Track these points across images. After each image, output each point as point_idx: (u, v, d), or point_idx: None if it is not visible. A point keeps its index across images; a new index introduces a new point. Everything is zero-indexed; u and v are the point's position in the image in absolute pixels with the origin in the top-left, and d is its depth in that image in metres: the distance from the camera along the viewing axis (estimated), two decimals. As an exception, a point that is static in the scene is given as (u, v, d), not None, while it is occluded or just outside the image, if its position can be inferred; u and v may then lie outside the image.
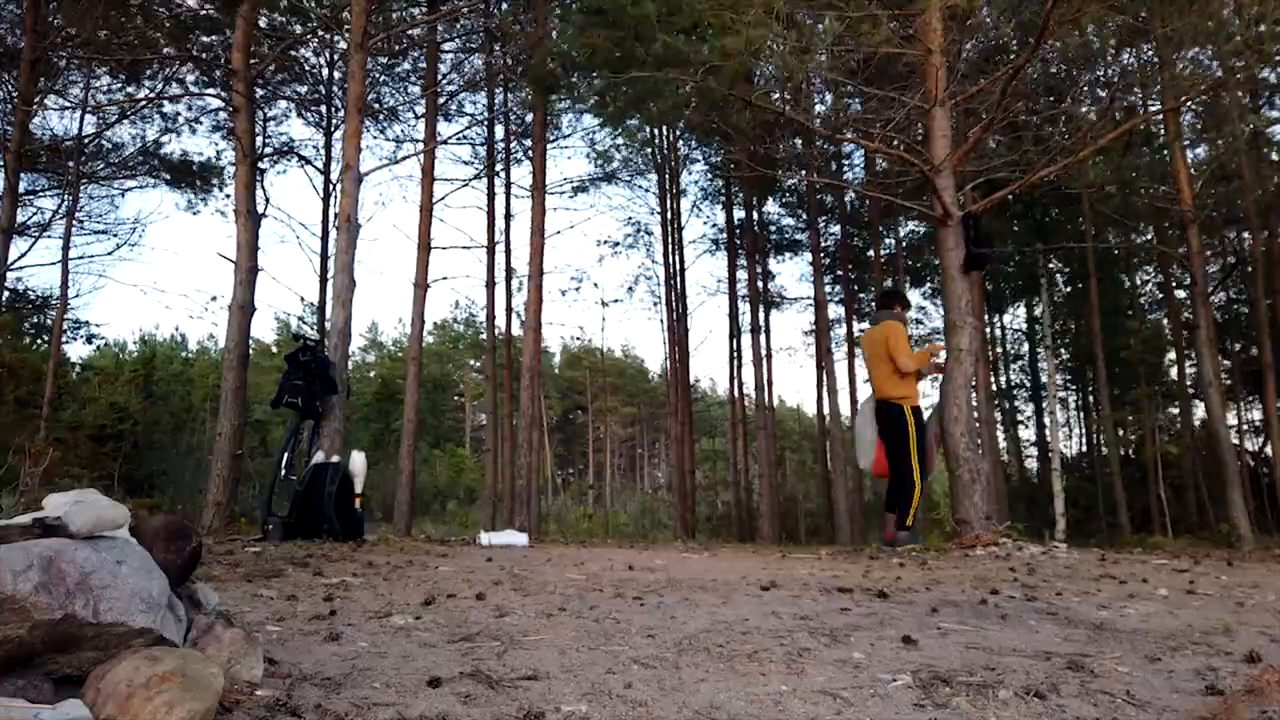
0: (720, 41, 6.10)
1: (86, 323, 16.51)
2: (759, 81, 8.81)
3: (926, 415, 6.44)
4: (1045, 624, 2.50)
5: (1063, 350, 19.32)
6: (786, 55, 6.53)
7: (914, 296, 20.53)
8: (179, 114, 12.96)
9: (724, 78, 6.44)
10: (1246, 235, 14.78)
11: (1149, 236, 14.96)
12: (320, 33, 12.71)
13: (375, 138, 14.85)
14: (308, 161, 14.11)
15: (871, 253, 18.29)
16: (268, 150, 13.20)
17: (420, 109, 13.89)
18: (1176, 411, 19.06)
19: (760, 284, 18.32)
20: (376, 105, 13.75)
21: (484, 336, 16.63)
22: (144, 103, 12.54)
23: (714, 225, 21.49)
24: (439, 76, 13.29)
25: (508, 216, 14.70)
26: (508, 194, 14.74)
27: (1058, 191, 13.58)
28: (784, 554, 5.83)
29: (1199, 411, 17.08)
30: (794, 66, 6.75)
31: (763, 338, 17.04)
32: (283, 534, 5.50)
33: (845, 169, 17.26)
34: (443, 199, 12.90)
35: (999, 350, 21.72)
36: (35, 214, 13.47)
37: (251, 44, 9.48)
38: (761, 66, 7.52)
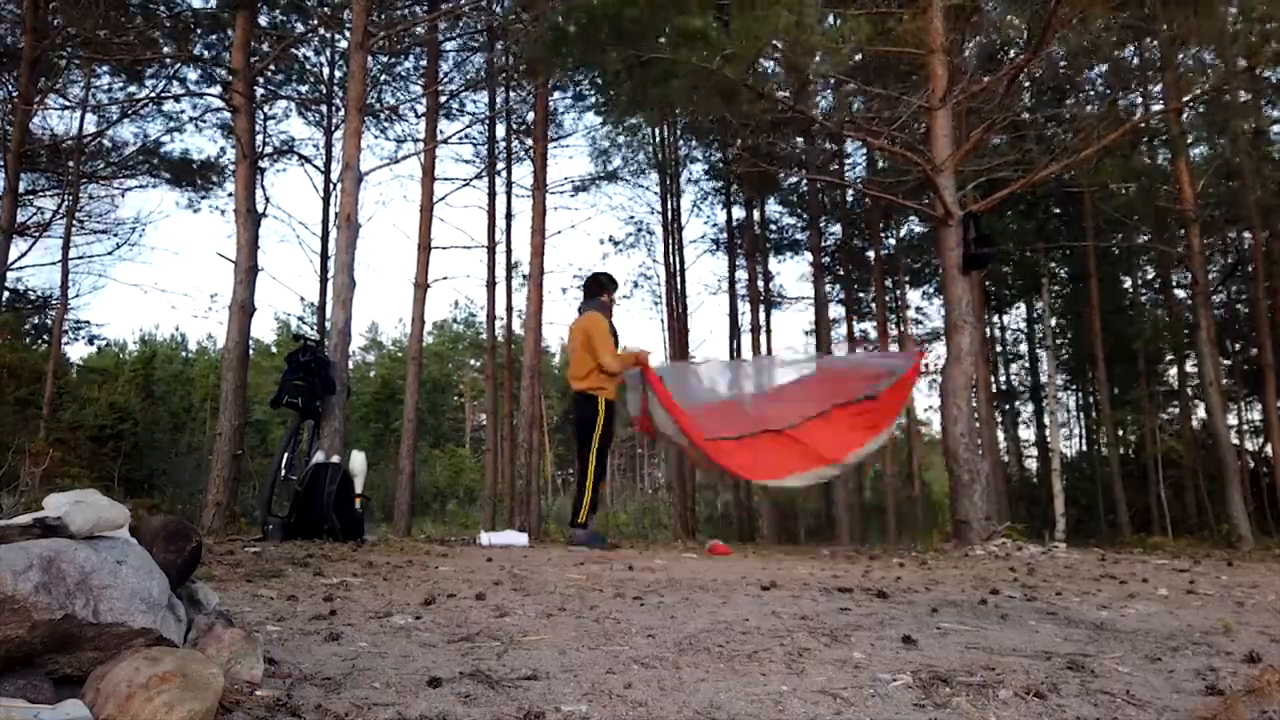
0: (746, 26, 6.03)
1: (87, 323, 16.52)
2: (763, 74, 8.80)
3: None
4: (1045, 624, 2.50)
5: (1063, 350, 19.32)
6: (795, 49, 6.52)
7: (914, 296, 20.57)
8: (180, 113, 12.97)
9: (741, 64, 6.38)
10: (1247, 235, 14.78)
11: (1148, 236, 14.96)
12: (321, 31, 12.71)
13: (376, 137, 14.87)
14: (308, 161, 14.13)
15: (871, 253, 18.30)
16: (268, 149, 13.21)
17: (421, 108, 13.90)
18: (1176, 411, 19.07)
19: (760, 284, 18.33)
20: (377, 104, 13.75)
21: (484, 336, 16.63)
22: (144, 102, 12.54)
23: (714, 225, 21.55)
24: (440, 75, 13.29)
25: (509, 216, 14.70)
26: (509, 193, 14.74)
27: (1059, 191, 13.59)
28: (784, 554, 5.83)
29: (1199, 411, 17.09)
30: (802, 61, 6.75)
31: (763, 337, 17.08)
32: (283, 534, 5.50)
33: (846, 168, 17.28)
34: (443, 198, 12.91)
35: (999, 350, 21.73)
36: (35, 214, 13.45)
37: (252, 43, 9.48)
38: (767, 60, 7.50)
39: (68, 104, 12.65)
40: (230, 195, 13.22)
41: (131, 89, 12.75)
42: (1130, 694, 1.64)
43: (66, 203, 13.13)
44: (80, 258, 14.08)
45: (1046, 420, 18.65)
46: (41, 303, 15.35)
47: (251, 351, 9.03)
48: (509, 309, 15.16)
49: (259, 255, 8.57)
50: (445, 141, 13.32)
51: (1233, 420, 17.53)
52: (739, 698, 1.56)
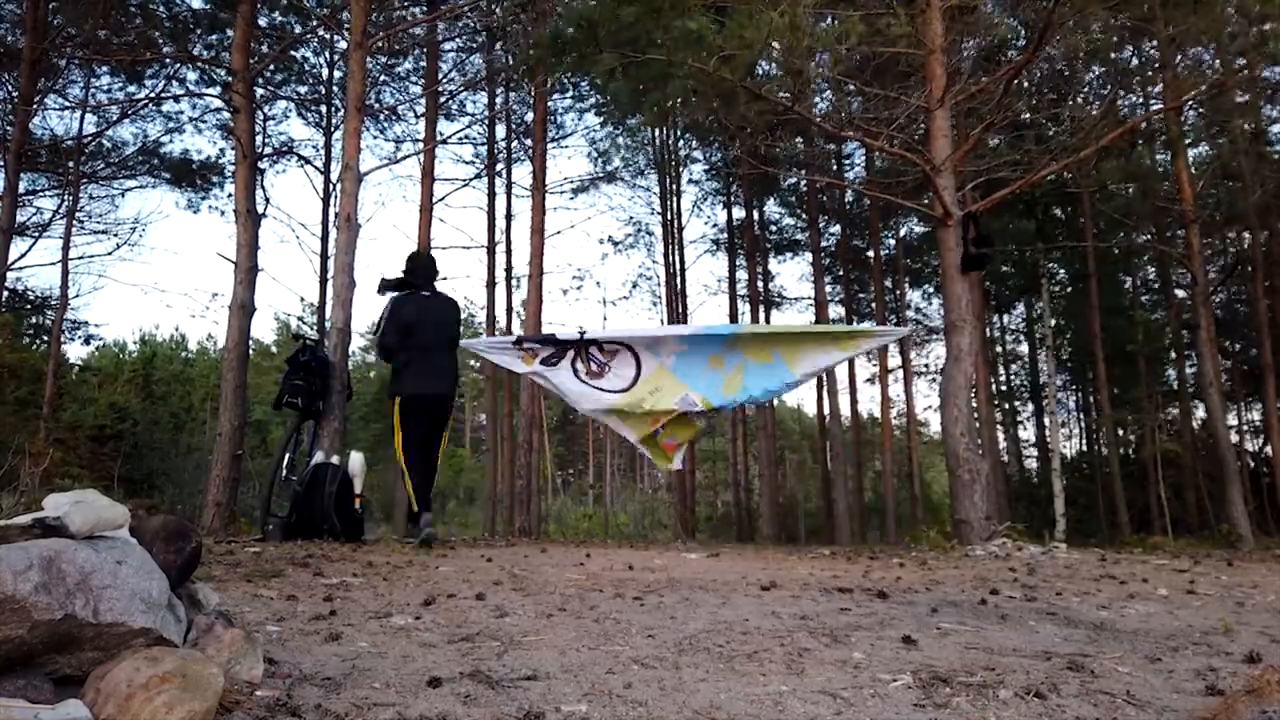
0: (740, 29, 6.03)
1: (86, 323, 16.49)
2: (761, 76, 8.81)
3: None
4: (1045, 624, 2.50)
5: (1063, 350, 19.32)
6: (791, 51, 6.52)
7: (914, 296, 20.58)
8: (180, 113, 12.97)
9: (738, 67, 6.37)
10: (1247, 235, 14.78)
11: (1148, 236, 14.96)
12: (320, 32, 12.71)
13: (375, 137, 14.88)
14: (308, 161, 14.12)
15: (871, 253, 18.30)
16: (268, 150, 13.19)
17: (421, 108, 13.90)
18: (1176, 411, 19.06)
19: (760, 284, 18.33)
20: (377, 105, 13.74)
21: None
22: (144, 102, 12.54)
23: (714, 225, 21.55)
24: (439, 76, 13.29)
25: (508, 216, 14.72)
26: (508, 193, 14.76)
27: (1059, 191, 13.59)
28: (784, 554, 5.83)
29: (1199, 411, 17.08)
30: (799, 63, 6.74)
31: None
32: (283, 534, 5.50)
33: (846, 168, 17.28)
34: (443, 199, 12.92)
35: (999, 350, 21.72)
36: (35, 214, 13.45)
37: (251, 44, 9.47)
38: (765, 62, 7.50)
39: (68, 104, 12.65)
40: (230, 196, 13.22)
41: (131, 89, 12.76)
42: (1130, 694, 1.64)
43: (66, 203, 13.13)
44: (80, 258, 14.06)
45: (1046, 420, 18.65)
46: (41, 303, 15.34)
47: (251, 351, 9.02)
48: (509, 309, 15.19)
49: (259, 255, 8.57)
50: (445, 142, 13.32)
51: (1233, 420, 17.54)
52: (739, 698, 1.56)
